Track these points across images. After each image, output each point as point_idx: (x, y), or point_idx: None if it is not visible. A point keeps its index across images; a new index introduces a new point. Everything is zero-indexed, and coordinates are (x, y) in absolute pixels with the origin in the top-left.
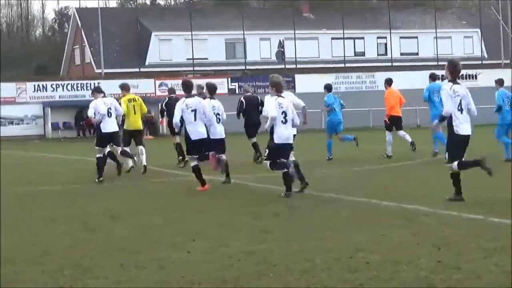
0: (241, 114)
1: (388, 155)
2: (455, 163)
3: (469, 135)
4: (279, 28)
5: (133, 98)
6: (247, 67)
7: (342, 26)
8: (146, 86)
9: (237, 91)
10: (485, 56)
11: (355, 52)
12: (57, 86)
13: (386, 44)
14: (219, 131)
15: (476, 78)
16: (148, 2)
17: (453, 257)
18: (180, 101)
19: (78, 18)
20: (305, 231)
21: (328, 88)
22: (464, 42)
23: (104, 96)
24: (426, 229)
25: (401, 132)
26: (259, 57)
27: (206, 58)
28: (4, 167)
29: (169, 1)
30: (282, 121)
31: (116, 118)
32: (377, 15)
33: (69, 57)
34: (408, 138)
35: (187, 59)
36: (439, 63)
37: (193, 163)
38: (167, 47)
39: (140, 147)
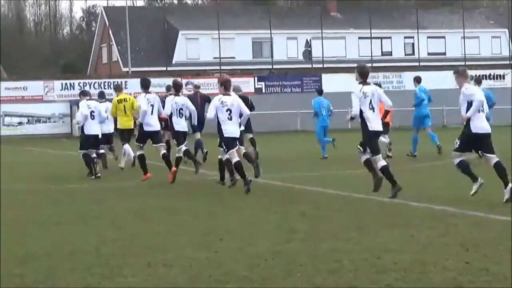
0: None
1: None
2: (379, 156)
3: (380, 130)
4: (306, 28)
5: (124, 98)
6: (274, 66)
7: (369, 25)
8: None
9: (263, 90)
10: None
11: (382, 51)
12: (84, 84)
13: (413, 44)
14: (182, 125)
15: (504, 78)
16: (175, 1)
17: (481, 259)
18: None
19: (105, 17)
20: (332, 231)
21: (319, 92)
22: (492, 42)
23: (90, 99)
24: (453, 230)
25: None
26: (286, 56)
27: (233, 57)
28: (33, 165)
29: (197, 0)
30: (228, 118)
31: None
32: (404, 14)
33: (96, 55)
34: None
35: (214, 58)
36: (467, 63)
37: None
38: (194, 46)
39: (126, 145)
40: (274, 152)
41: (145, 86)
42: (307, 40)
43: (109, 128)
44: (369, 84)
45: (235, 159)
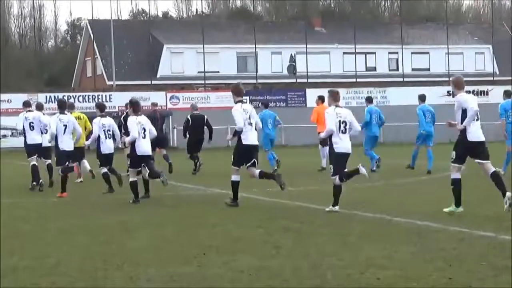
0: (186, 132)
1: (323, 167)
2: (337, 177)
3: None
4: (290, 42)
5: (78, 117)
6: (259, 80)
7: (354, 40)
8: (157, 98)
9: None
10: (497, 72)
11: (366, 67)
12: (69, 97)
13: (397, 59)
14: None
15: (487, 94)
16: (160, 15)
17: (464, 275)
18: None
19: (90, 30)
20: (316, 247)
21: (265, 104)
22: (475, 58)
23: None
24: (437, 246)
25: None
26: (271, 71)
27: (218, 71)
28: (17, 178)
29: (181, 14)
30: None
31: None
32: (388, 30)
33: (81, 69)
34: (324, 161)
35: (199, 72)
36: (451, 78)
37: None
38: (179, 59)
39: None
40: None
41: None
42: (291, 54)
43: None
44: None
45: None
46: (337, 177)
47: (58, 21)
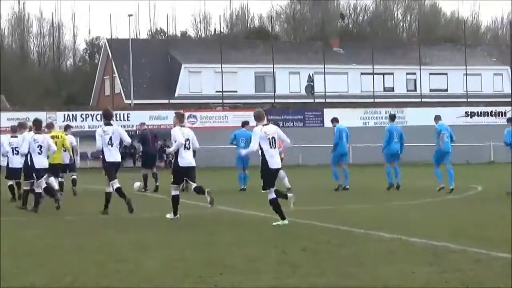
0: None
1: (288, 187)
2: (271, 193)
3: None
4: (308, 62)
5: (56, 136)
6: (276, 100)
7: (371, 61)
8: None
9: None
10: None
11: (384, 87)
12: (87, 116)
13: (415, 80)
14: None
15: (505, 115)
16: (178, 34)
17: None
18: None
19: (109, 49)
20: (333, 267)
21: (242, 124)
22: (494, 79)
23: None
24: (454, 267)
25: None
26: (288, 90)
27: (236, 91)
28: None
29: (200, 34)
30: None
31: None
32: (407, 50)
33: (99, 87)
34: (286, 181)
35: (216, 91)
36: (469, 99)
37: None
38: (197, 79)
39: (51, 178)
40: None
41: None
42: (309, 75)
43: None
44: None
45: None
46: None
47: (77, 40)
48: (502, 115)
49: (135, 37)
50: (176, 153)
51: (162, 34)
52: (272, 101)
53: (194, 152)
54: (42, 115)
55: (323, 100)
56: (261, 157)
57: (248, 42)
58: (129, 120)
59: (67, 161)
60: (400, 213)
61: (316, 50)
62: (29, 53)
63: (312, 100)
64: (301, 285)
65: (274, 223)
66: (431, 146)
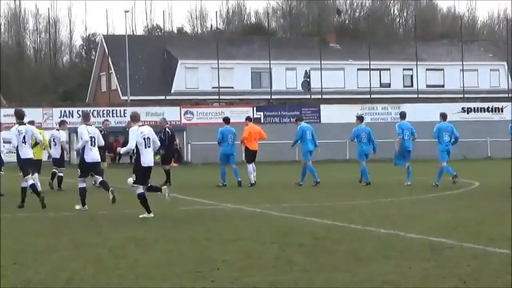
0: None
1: (252, 182)
2: (140, 188)
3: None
4: (305, 58)
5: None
6: (273, 96)
7: (368, 57)
8: (171, 113)
9: (262, 121)
10: None
11: (380, 83)
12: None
13: (412, 75)
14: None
15: (502, 111)
16: (175, 31)
17: None
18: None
19: (105, 45)
20: (330, 263)
21: (225, 120)
22: (490, 75)
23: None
24: (451, 263)
25: (250, 166)
26: (285, 86)
27: (232, 87)
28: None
29: (196, 30)
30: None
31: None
32: (403, 46)
33: (96, 83)
34: (252, 177)
35: (213, 87)
36: (465, 95)
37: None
38: (193, 75)
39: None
40: (273, 183)
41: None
42: (306, 71)
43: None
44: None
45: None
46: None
47: (73, 36)
48: (498, 111)
49: (132, 33)
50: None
51: (158, 30)
52: (269, 97)
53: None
54: (38, 112)
55: (319, 96)
56: (135, 155)
57: (245, 38)
58: (125, 116)
59: (57, 156)
60: (397, 209)
61: (312, 46)
62: (25, 49)
63: (308, 96)
64: (299, 281)
65: (140, 216)
66: (429, 142)
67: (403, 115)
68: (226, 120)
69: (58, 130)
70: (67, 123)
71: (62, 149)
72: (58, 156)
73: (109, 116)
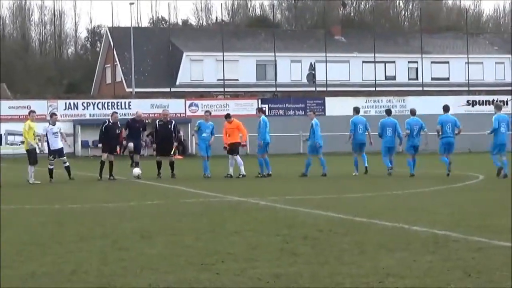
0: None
1: (228, 173)
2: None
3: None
4: (310, 51)
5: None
6: (278, 89)
7: (373, 49)
8: (176, 106)
9: (267, 113)
10: None
11: (385, 76)
12: (88, 104)
13: (417, 68)
14: None
15: (507, 104)
16: (180, 23)
17: (483, 285)
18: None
19: (110, 37)
20: (334, 255)
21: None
22: (495, 68)
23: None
24: (456, 256)
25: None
26: (290, 79)
27: (237, 79)
28: (36, 184)
29: (201, 22)
30: None
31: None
32: (408, 39)
33: (100, 75)
34: (231, 170)
35: (218, 79)
36: (470, 88)
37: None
38: (198, 67)
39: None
40: (277, 175)
41: None
42: (311, 63)
43: None
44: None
45: None
46: None
47: (78, 28)
48: (503, 104)
49: (137, 26)
50: None
51: (163, 22)
52: (274, 89)
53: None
54: (43, 104)
55: (324, 89)
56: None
57: (250, 31)
58: (130, 109)
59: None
60: (402, 202)
61: (317, 38)
62: (30, 41)
63: (313, 89)
64: (303, 273)
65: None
66: (433, 135)
67: (356, 110)
68: (208, 112)
69: (49, 123)
70: (56, 115)
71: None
72: (58, 147)
73: (114, 108)
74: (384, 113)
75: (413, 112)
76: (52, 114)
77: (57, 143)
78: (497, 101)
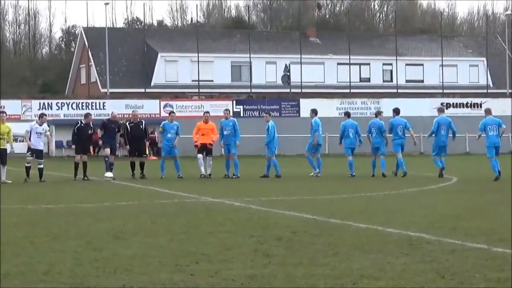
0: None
1: (202, 173)
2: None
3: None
4: (285, 52)
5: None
6: (253, 90)
7: (348, 51)
8: (151, 106)
9: (242, 114)
10: (491, 85)
11: (360, 78)
12: (62, 104)
13: (391, 70)
14: None
15: (481, 106)
16: (155, 24)
17: (456, 287)
18: None
19: (85, 38)
20: (309, 256)
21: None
22: (470, 71)
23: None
24: (430, 257)
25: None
26: (265, 80)
27: (212, 80)
28: (9, 185)
29: (176, 23)
30: None
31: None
32: (383, 41)
33: (75, 76)
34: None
35: (193, 80)
36: (445, 91)
37: None
38: (173, 68)
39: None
40: (252, 176)
41: None
42: (286, 64)
43: None
44: None
45: None
46: None
47: (53, 28)
48: (477, 107)
49: (112, 26)
50: None
51: (138, 23)
52: (249, 90)
53: None
54: (17, 104)
55: (299, 90)
56: None
57: (225, 32)
58: (104, 109)
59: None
60: (376, 204)
61: (292, 40)
62: (4, 41)
63: (288, 90)
64: (277, 275)
65: None
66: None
67: (396, 111)
68: (172, 113)
69: (36, 121)
70: (45, 116)
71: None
72: (39, 147)
73: (88, 109)
74: (344, 115)
75: (397, 112)
76: (42, 115)
77: (38, 144)
78: (442, 104)
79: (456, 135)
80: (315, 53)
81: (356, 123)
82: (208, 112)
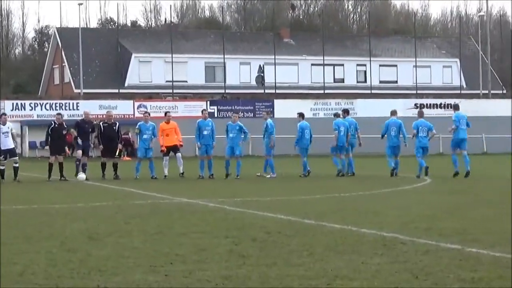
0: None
1: (165, 175)
2: None
3: None
4: (259, 53)
5: None
6: (227, 90)
7: (322, 52)
8: (125, 107)
9: (216, 115)
10: (464, 85)
11: (334, 78)
12: (35, 105)
13: (365, 71)
14: None
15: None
16: (129, 24)
17: (431, 287)
18: None
19: (58, 38)
20: (283, 257)
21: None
22: (443, 71)
23: None
24: (404, 258)
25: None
26: (239, 81)
27: (186, 81)
28: None
29: (150, 23)
30: None
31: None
32: (357, 42)
33: (48, 76)
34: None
35: (167, 81)
36: (418, 91)
37: None
38: (147, 68)
39: None
40: (226, 177)
41: None
42: (260, 65)
43: None
44: None
45: None
46: None
47: (26, 28)
48: (451, 107)
49: (85, 26)
50: None
51: (112, 23)
52: (222, 91)
53: None
54: None
55: (273, 91)
56: None
57: (199, 32)
58: (78, 109)
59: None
60: (350, 204)
61: (266, 41)
62: None
63: (262, 91)
64: (252, 275)
65: None
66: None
67: (393, 112)
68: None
69: None
70: (5, 115)
71: None
72: (9, 147)
73: (62, 109)
74: (299, 116)
75: (393, 113)
76: (2, 115)
77: (7, 143)
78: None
79: (406, 137)
80: (289, 54)
81: (308, 124)
82: (169, 112)
